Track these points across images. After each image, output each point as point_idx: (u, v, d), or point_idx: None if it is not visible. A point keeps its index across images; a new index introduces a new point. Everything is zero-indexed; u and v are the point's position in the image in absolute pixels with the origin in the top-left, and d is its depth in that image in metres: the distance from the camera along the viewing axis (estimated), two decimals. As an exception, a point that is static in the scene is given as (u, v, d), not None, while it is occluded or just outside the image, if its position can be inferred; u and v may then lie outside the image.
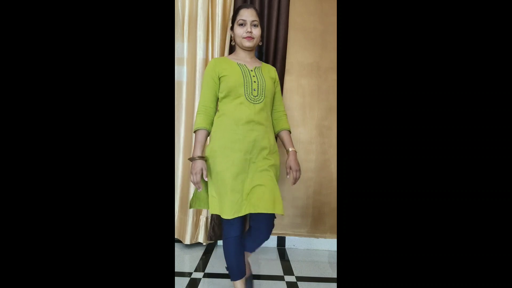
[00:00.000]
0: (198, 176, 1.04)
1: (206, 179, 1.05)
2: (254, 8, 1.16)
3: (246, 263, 1.32)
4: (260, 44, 1.23)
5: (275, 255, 1.79)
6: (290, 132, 1.26)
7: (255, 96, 1.11)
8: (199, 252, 1.77)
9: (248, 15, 1.12)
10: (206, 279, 1.47)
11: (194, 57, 1.77)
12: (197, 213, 1.82)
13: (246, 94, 1.10)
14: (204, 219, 1.82)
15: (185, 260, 1.67)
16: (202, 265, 1.62)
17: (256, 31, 1.14)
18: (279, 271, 1.57)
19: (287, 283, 1.46)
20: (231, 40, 1.25)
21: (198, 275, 1.51)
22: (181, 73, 1.79)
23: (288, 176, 1.17)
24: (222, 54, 1.75)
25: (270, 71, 1.22)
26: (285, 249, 1.89)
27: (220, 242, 1.92)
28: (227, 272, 1.19)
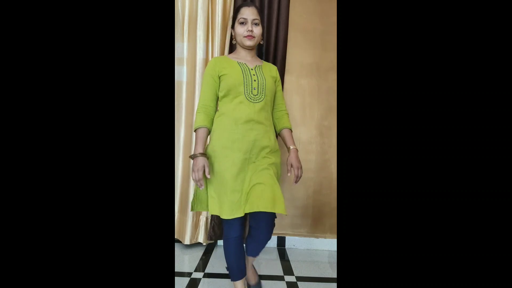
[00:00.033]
0: (200, 173, 1.02)
1: (208, 176, 1.03)
2: (255, 6, 1.14)
3: (250, 268, 1.29)
4: (261, 43, 1.21)
5: (275, 255, 1.79)
6: (291, 130, 1.24)
7: (255, 95, 1.10)
8: (199, 252, 1.77)
9: (249, 13, 1.11)
10: (206, 279, 1.47)
11: (194, 57, 1.77)
12: (197, 213, 1.82)
13: (246, 93, 1.09)
14: (204, 219, 1.82)
15: (184, 260, 1.67)
16: (202, 265, 1.62)
17: (257, 30, 1.13)
18: (279, 271, 1.57)
19: (287, 283, 1.46)
20: (231, 39, 1.24)
21: (198, 275, 1.51)
22: (181, 73, 1.79)
23: (289, 174, 1.14)
24: (222, 54, 1.75)
25: (271, 70, 1.21)
26: (285, 249, 1.89)
27: (220, 242, 1.92)
28: (227, 272, 1.19)
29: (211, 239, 1.83)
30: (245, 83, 1.09)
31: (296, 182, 1.15)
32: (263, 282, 1.45)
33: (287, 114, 1.26)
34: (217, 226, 1.81)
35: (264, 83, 1.12)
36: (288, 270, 1.60)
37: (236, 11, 1.15)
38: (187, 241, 1.78)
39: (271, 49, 1.76)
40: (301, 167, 1.15)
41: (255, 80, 1.11)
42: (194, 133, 1.76)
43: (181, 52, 1.78)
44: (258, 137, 1.08)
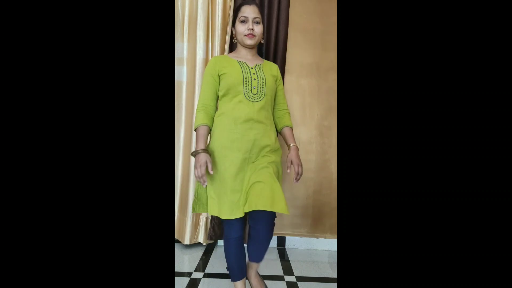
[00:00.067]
0: (203, 168, 0.99)
1: (211, 172, 1.00)
2: (256, 4, 1.13)
3: (255, 277, 1.22)
4: (262, 42, 1.19)
5: (275, 255, 1.79)
6: (292, 129, 1.22)
7: (254, 94, 1.09)
8: (199, 252, 1.77)
9: (250, 11, 1.09)
10: (206, 279, 1.47)
11: (194, 57, 1.77)
12: (197, 213, 1.82)
13: (245, 92, 1.08)
14: (204, 219, 1.82)
15: (184, 261, 1.67)
16: (202, 265, 1.62)
17: (258, 29, 1.11)
18: (279, 271, 1.57)
19: (287, 283, 1.46)
20: (232, 38, 1.22)
21: (198, 275, 1.51)
22: (181, 73, 1.79)
23: (288, 171, 1.11)
24: (222, 53, 1.75)
25: (272, 68, 1.19)
26: (285, 249, 1.89)
27: (220, 242, 1.92)
28: (227, 272, 1.19)
29: (211, 239, 1.83)
30: (244, 82, 1.08)
31: (296, 180, 1.11)
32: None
33: (289, 113, 1.25)
34: (217, 226, 1.81)
35: (264, 82, 1.11)
36: (288, 270, 1.60)
37: (237, 9, 1.13)
38: (186, 241, 1.78)
39: (271, 49, 1.76)
40: (301, 165, 1.12)
41: (254, 79, 1.10)
42: (194, 133, 1.78)
43: (181, 52, 1.78)
44: (257, 136, 1.07)
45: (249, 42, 1.11)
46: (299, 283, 1.46)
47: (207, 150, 1.05)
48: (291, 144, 1.16)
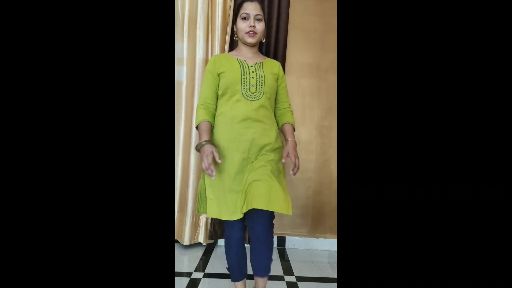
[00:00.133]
0: (210, 157, 0.95)
1: (219, 161, 0.96)
2: (258, 1, 1.10)
3: None
4: (263, 41, 1.17)
5: (275, 255, 1.79)
6: (293, 126, 1.17)
7: (252, 93, 1.06)
8: (198, 253, 1.77)
9: (252, 8, 1.07)
10: (206, 279, 1.47)
11: (193, 57, 1.77)
12: (196, 214, 1.82)
13: (243, 91, 1.06)
14: (205, 219, 1.82)
15: (184, 261, 1.67)
16: (202, 265, 1.62)
17: (260, 26, 1.09)
18: (279, 271, 1.57)
19: (287, 283, 1.46)
20: (233, 35, 1.20)
21: (198, 275, 1.51)
22: (180, 73, 1.79)
23: (283, 161, 1.04)
24: (222, 53, 1.75)
25: (273, 66, 1.15)
26: (285, 249, 1.89)
27: (220, 242, 1.92)
28: (227, 272, 1.19)
29: (211, 238, 1.83)
30: (242, 81, 1.06)
31: (294, 173, 1.02)
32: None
33: (291, 111, 1.20)
34: (218, 225, 1.81)
35: (263, 80, 1.08)
36: (288, 270, 1.60)
37: (239, 6, 1.11)
38: (186, 242, 1.77)
39: (271, 49, 1.76)
40: (298, 157, 1.05)
41: (253, 77, 1.08)
42: (193, 134, 1.78)
43: (180, 52, 1.78)
44: (256, 135, 1.05)
45: (250, 40, 1.09)
46: (299, 283, 1.46)
47: (211, 141, 1.02)
48: (289, 139, 1.11)
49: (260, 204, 0.93)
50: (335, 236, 1.90)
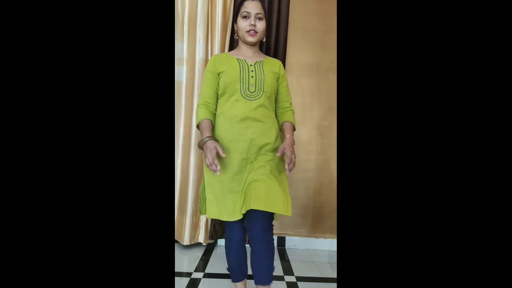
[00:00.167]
0: (213, 152, 0.93)
1: (223, 155, 0.94)
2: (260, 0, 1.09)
3: None
4: (263, 40, 1.16)
5: (275, 255, 1.79)
6: (293, 125, 1.14)
7: (252, 92, 1.05)
8: (198, 253, 1.77)
9: (253, 7, 1.06)
10: (206, 279, 1.47)
11: (193, 57, 1.77)
12: (196, 214, 1.82)
13: (242, 91, 1.04)
14: (205, 218, 1.82)
15: (184, 261, 1.66)
16: (202, 265, 1.62)
17: (260, 25, 1.07)
18: (279, 271, 1.57)
19: (287, 283, 1.46)
20: (233, 34, 1.20)
21: (198, 275, 1.51)
22: (180, 73, 1.79)
23: (278, 155, 1.00)
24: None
25: (273, 65, 1.13)
26: (285, 249, 1.89)
27: (220, 242, 1.92)
28: (227, 273, 1.19)
29: (212, 238, 1.83)
30: (241, 80, 1.05)
31: (289, 169, 0.98)
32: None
33: (292, 110, 1.17)
34: (218, 225, 1.81)
35: (263, 79, 1.07)
36: (288, 270, 1.60)
37: (239, 4, 1.09)
38: (186, 242, 1.77)
39: (271, 49, 1.76)
40: (294, 154, 1.00)
41: (252, 77, 1.06)
42: (193, 134, 1.78)
43: (180, 52, 1.78)
44: (255, 135, 1.03)
45: (250, 39, 1.08)
46: (299, 283, 1.46)
47: (213, 137, 1.01)
48: (287, 136, 1.08)
49: (258, 205, 0.92)
50: (335, 236, 1.90)
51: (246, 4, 1.07)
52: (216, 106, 1.13)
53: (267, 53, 1.75)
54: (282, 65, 1.17)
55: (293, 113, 1.17)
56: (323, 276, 1.55)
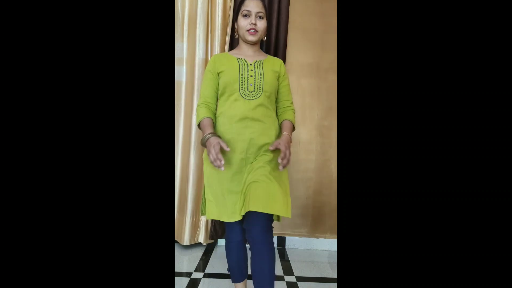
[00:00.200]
0: (217, 147, 0.91)
1: (228, 149, 0.92)
2: None
3: None
4: (264, 39, 1.14)
5: (275, 255, 1.79)
6: (292, 124, 1.11)
7: (251, 92, 1.04)
8: (198, 253, 1.77)
9: (253, 5, 1.04)
10: (206, 279, 1.47)
11: (193, 57, 1.77)
12: (196, 214, 1.82)
13: (240, 90, 1.03)
14: (205, 218, 1.82)
15: (184, 261, 1.66)
16: (202, 265, 1.62)
17: (261, 24, 1.06)
18: (279, 271, 1.57)
19: (287, 283, 1.46)
20: (234, 32, 1.19)
21: (198, 275, 1.51)
22: (180, 73, 1.79)
23: (270, 148, 0.98)
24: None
25: (274, 64, 1.12)
26: (285, 249, 1.89)
27: (220, 242, 1.92)
28: (227, 273, 1.19)
29: (212, 238, 1.83)
30: (240, 80, 1.04)
31: (282, 165, 0.94)
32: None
33: (292, 109, 1.15)
34: (219, 225, 1.81)
35: (262, 78, 1.05)
36: (288, 270, 1.60)
37: (240, 2, 1.08)
38: (186, 242, 1.77)
39: (271, 49, 1.76)
40: (289, 151, 0.97)
41: (251, 76, 1.05)
42: (193, 135, 1.78)
43: (180, 52, 1.78)
44: (254, 135, 1.02)
45: (251, 38, 1.06)
46: (299, 283, 1.46)
47: (215, 133, 1.01)
48: (284, 132, 1.05)
49: (257, 206, 0.91)
50: (335, 236, 1.90)
51: (247, 2, 1.06)
52: (217, 106, 1.13)
53: (267, 53, 1.74)
54: (283, 64, 1.15)
55: (294, 112, 1.16)
56: (323, 276, 1.55)
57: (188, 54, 1.77)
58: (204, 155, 1.10)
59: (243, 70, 1.06)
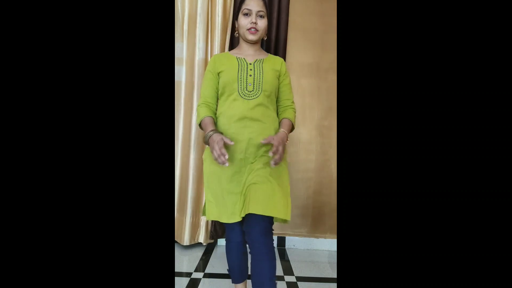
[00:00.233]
0: (221, 143, 0.90)
1: (232, 143, 0.92)
2: None
3: None
4: (265, 38, 1.13)
5: (275, 253, 1.79)
6: (292, 122, 1.09)
7: (250, 91, 1.03)
8: (198, 253, 1.77)
9: (254, 4, 1.04)
10: (206, 279, 1.47)
11: (192, 57, 1.77)
12: (196, 214, 1.82)
13: (239, 90, 1.02)
14: (205, 218, 1.82)
15: (184, 261, 1.66)
16: (202, 265, 1.62)
17: (262, 23, 1.05)
18: (279, 271, 1.57)
19: (287, 283, 1.46)
20: (234, 31, 1.18)
21: (198, 275, 1.51)
22: (179, 73, 1.79)
23: (261, 141, 0.97)
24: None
25: (275, 63, 1.10)
26: (285, 249, 1.89)
27: (220, 242, 1.92)
28: (227, 273, 1.19)
29: (212, 238, 1.83)
30: (239, 80, 1.03)
31: (274, 161, 0.93)
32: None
33: (293, 108, 1.13)
34: (219, 225, 1.81)
35: (261, 77, 1.04)
36: (288, 270, 1.60)
37: (241, 1, 1.07)
38: (186, 242, 1.77)
39: (271, 49, 1.76)
40: (283, 147, 0.95)
41: (250, 75, 1.04)
42: (193, 135, 1.78)
43: (180, 52, 1.78)
44: (253, 135, 1.00)
45: (251, 37, 1.05)
46: (299, 283, 1.46)
47: (217, 130, 1.00)
48: (281, 129, 1.03)
49: (256, 209, 0.91)
50: (335, 236, 1.90)
51: (247, 1, 1.05)
52: (217, 106, 1.12)
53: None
54: (284, 62, 1.14)
55: (294, 111, 1.14)
56: (323, 276, 1.55)
57: (187, 54, 1.77)
58: (204, 155, 1.10)
59: (242, 70, 1.05)
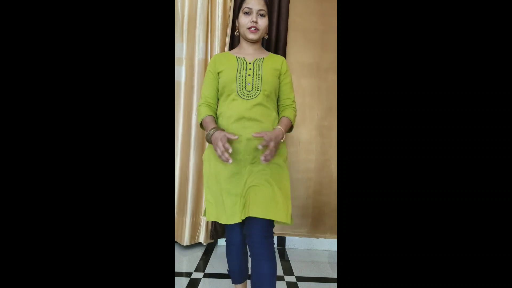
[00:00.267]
0: (224, 139, 0.89)
1: (236, 137, 0.92)
2: None
3: None
4: (266, 37, 1.12)
5: (275, 255, 1.79)
6: (291, 121, 1.07)
7: (248, 91, 1.01)
8: (198, 253, 1.77)
9: (255, 3, 1.02)
10: (206, 279, 1.47)
11: (192, 57, 1.77)
12: (196, 214, 1.82)
13: (238, 90, 1.01)
14: (205, 218, 1.82)
15: (184, 261, 1.66)
16: (202, 265, 1.62)
17: (262, 22, 1.04)
18: (279, 271, 1.57)
19: (287, 283, 1.46)
20: (235, 30, 1.18)
21: (198, 275, 1.51)
22: (179, 73, 1.79)
23: (253, 135, 0.95)
24: (222, 54, 1.75)
25: (275, 62, 1.09)
26: (285, 249, 1.89)
27: (220, 242, 1.92)
28: (227, 273, 1.19)
29: (212, 238, 1.83)
30: (238, 79, 1.02)
31: (264, 157, 0.91)
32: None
33: (293, 107, 1.11)
34: (219, 225, 1.81)
35: (261, 77, 1.03)
36: (288, 270, 1.60)
37: (242, 0, 1.06)
38: (186, 242, 1.77)
39: (272, 49, 1.76)
40: (274, 143, 0.92)
41: (249, 75, 1.03)
42: (193, 135, 1.78)
43: (179, 52, 1.78)
44: (251, 135, 0.98)
45: (252, 36, 1.04)
46: (299, 283, 1.46)
47: (218, 127, 0.99)
48: (277, 126, 1.01)
49: (257, 212, 0.91)
50: (335, 236, 1.90)
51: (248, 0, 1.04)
52: (217, 106, 1.12)
53: (267, 53, 1.75)
54: (285, 61, 1.12)
55: (295, 111, 1.12)
56: (323, 276, 1.55)
57: (187, 54, 1.77)
58: (204, 156, 1.10)
59: (241, 69, 1.04)
